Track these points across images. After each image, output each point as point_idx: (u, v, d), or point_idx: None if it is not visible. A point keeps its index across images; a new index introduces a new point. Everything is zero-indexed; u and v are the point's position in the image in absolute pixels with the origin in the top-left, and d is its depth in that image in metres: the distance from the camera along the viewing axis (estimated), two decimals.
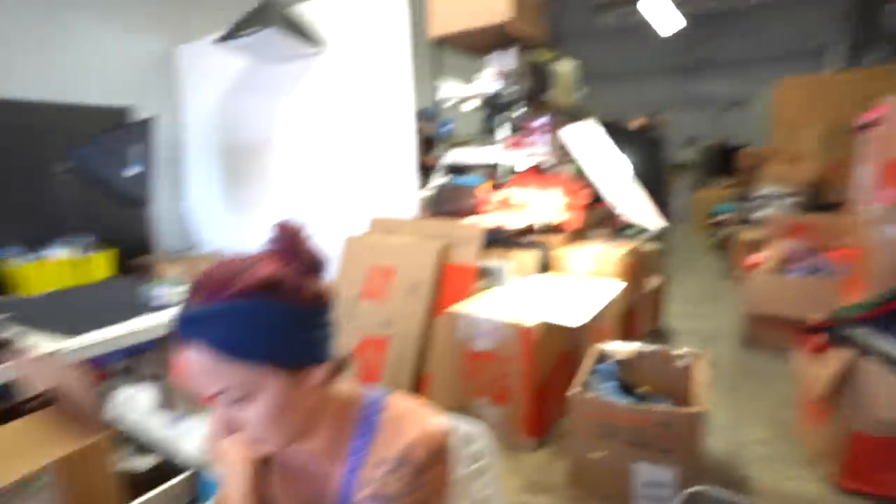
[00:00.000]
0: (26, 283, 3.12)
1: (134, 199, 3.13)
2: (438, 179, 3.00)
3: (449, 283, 2.75)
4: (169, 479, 1.02)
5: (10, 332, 1.32)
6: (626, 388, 2.18)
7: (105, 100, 3.85)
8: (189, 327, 0.55)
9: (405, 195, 3.21)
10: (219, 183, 4.20)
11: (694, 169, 9.34)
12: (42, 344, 1.33)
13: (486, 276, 2.89)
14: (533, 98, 3.00)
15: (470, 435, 1.08)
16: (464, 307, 2.43)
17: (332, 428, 0.67)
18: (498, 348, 2.27)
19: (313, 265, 0.62)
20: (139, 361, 2.09)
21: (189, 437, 1.30)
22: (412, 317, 2.77)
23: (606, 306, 2.57)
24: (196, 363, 0.55)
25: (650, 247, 3.56)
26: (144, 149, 3.09)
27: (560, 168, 3.90)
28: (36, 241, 3.41)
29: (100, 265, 3.46)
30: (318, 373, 0.62)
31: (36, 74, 3.48)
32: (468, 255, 2.73)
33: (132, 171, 2.99)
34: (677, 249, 2.96)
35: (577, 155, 2.73)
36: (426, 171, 3.67)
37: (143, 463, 1.07)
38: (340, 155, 3.42)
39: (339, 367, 0.66)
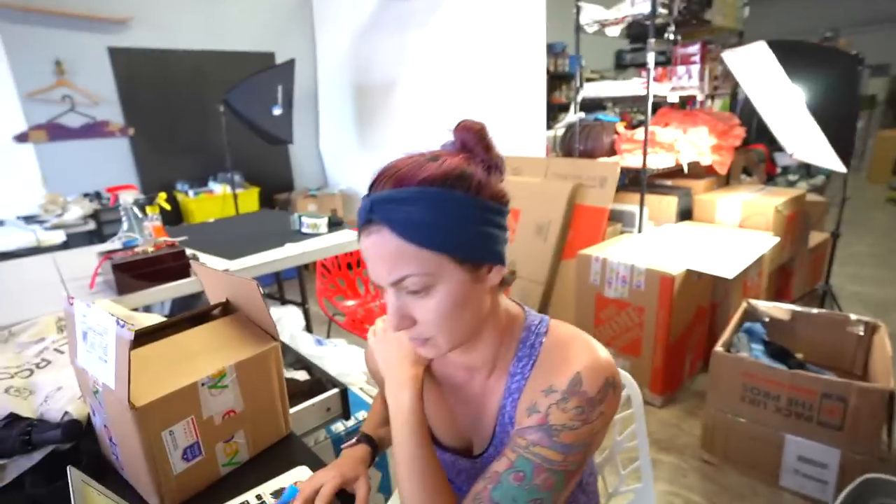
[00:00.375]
0: (194, 214, 3.59)
1: (280, 138, 3.38)
2: (571, 116, 2.79)
3: (579, 225, 2.61)
4: (321, 392, 1.11)
5: (190, 252, 1.52)
6: (777, 353, 1.94)
7: (254, 46, 4.15)
8: (376, 211, 0.54)
9: (533, 133, 3.06)
10: (350, 123, 4.38)
11: (880, 105, 7.70)
12: (213, 263, 1.51)
13: (620, 220, 2.70)
14: (686, 21, 2.61)
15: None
16: (597, 250, 2.30)
17: (495, 344, 0.65)
18: (633, 296, 2.13)
19: (495, 163, 0.59)
20: (282, 287, 2.30)
21: (332, 359, 1.41)
22: (538, 259, 2.71)
23: (757, 261, 2.27)
24: (381, 248, 0.54)
25: (813, 197, 3.03)
26: (287, 90, 3.29)
27: (710, 103, 3.43)
28: (200, 177, 3.90)
29: (249, 200, 3.85)
30: (495, 274, 0.59)
31: (199, 27, 3.84)
32: (601, 197, 2.55)
33: (277, 110, 3.21)
34: (848, 201, 2.49)
35: (743, 84, 2.33)
36: (553, 109, 3.45)
37: (298, 375, 1.18)
38: (468, 92, 3.34)
39: (509, 277, 0.63)
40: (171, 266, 1.36)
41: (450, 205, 0.53)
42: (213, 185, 3.83)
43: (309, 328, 2.04)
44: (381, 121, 4.09)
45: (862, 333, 1.95)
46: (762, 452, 1.68)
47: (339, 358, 1.39)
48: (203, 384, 0.74)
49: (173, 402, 0.70)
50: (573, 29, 2.71)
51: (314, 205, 4.18)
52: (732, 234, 2.47)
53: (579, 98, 2.73)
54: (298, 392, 1.12)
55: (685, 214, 2.80)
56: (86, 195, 3.37)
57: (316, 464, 0.82)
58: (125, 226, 1.46)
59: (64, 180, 3.38)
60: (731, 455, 1.77)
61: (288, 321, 1.53)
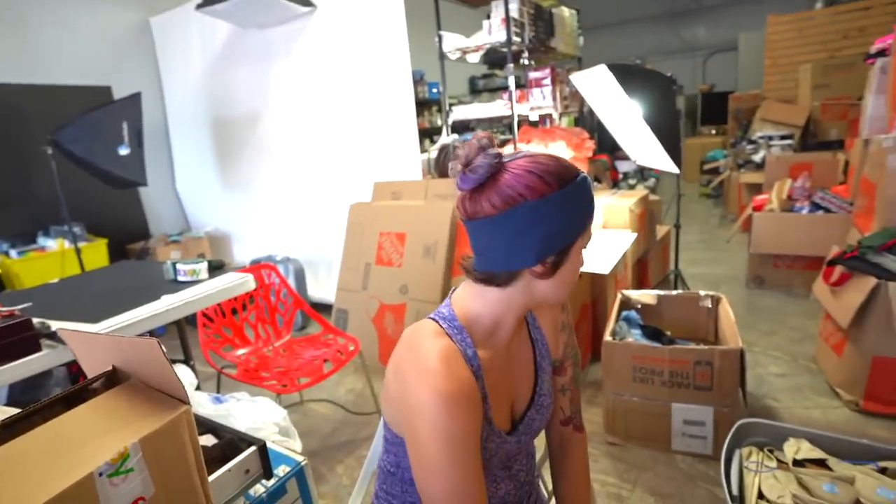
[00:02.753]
0: (20, 278, 3.00)
1: (130, 180, 3.00)
2: (444, 138, 2.91)
3: (466, 241, 2.70)
4: (236, 454, 0.99)
5: (37, 321, 1.25)
6: (652, 334, 2.19)
7: (84, 80, 3.64)
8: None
9: (407, 158, 3.12)
10: (210, 159, 4.05)
11: (682, 118, 9.28)
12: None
13: None
14: (535, 48, 2.90)
15: None
16: None
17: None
18: None
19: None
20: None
21: (238, 416, 1.27)
22: (429, 279, 2.74)
23: (623, 256, 2.56)
24: None
25: (651, 197, 3.53)
26: (135, 126, 2.93)
27: (561, 120, 3.83)
28: (26, 233, 3.28)
29: (96, 254, 3.33)
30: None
31: (10, 57, 3.26)
32: None
33: (125, 150, 2.84)
34: (683, 197, 2.94)
35: (589, 101, 2.65)
36: (420, 136, 3.57)
37: (204, 441, 1.03)
38: (338, 121, 3.30)
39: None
40: (13, 341, 1.11)
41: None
42: (44, 242, 3.25)
43: (197, 386, 1.81)
44: (248, 156, 3.85)
45: (710, 306, 2.29)
46: (655, 424, 1.87)
47: (245, 413, 1.25)
48: (101, 474, 0.61)
49: None
50: (436, 57, 2.85)
51: (178, 251, 3.76)
52: (598, 235, 2.76)
53: (450, 121, 2.86)
54: (209, 459, 0.98)
55: None
56: None
57: None
58: None
59: None
60: (631, 433, 1.94)
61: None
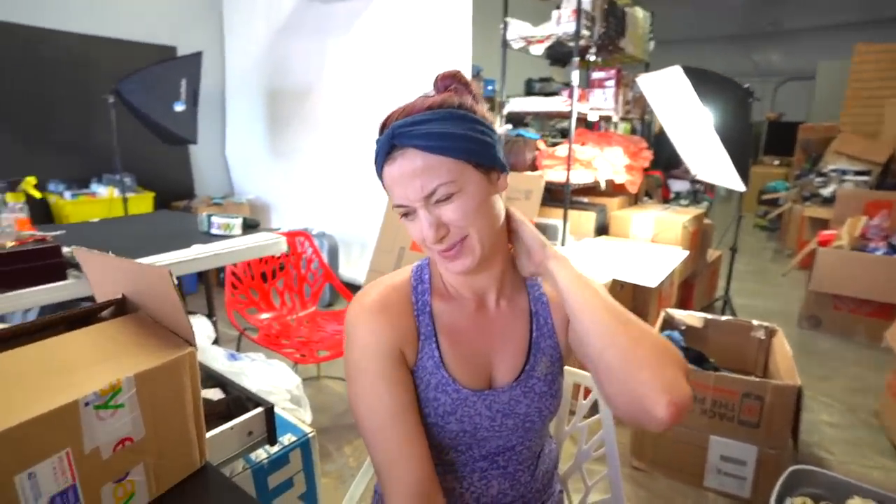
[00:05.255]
0: (69, 219, 3.09)
1: (182, 137, 3.04)
2: (499, 130, 2.81)
3: None
4: (241, 412, 0.92)
5: (66, 250, 1.24)
6: (695, 358, 2.03)
7: (152, 37, 3.72)
8: (398, 137, 0.61)
9: None
10: (261, 129, 4.08)
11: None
12: None
13: (544, 233, 2.73)
14: (604, 45, 2.76)
15: None
16: None
17: (504, 261, 0.73)
18: None
19: (475, 94, 0.68)
20: (184, 300, 2.00)
21: (251, 376, 1.21)
22: None
23: (670, 273, 2.40)
24: (409, 167, 0.61)
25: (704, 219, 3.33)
26: (193, 85, 2.97)
27: (616, 125, 3.66)
28: (81, 177, 3.38)
29: (142, 205, 3.40)
30: (503, 181, 0.68)
31: (83, 7, 3.35)
32: (527, 209, 2.57)
33: (180, 107, 2.88)
34: (722, 226, 2.75)
35: (654, 106, 2.50)
36: None
37: (211, 394, 0.98)
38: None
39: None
40: (38, 265, 1.08)
41: (458, 120, 0.62)
42: (96, 188, 3.34)
43: (216, 343, 1.78)
44: (296, 128, 3.85)
45: (763, 338, 2.11)
46: (688, 455, 1.72)
47: (258, 374, 1.19)
48: (87, 403, 0.55)
49: (38, 431, 0.51)
50: (495, 53, 2.76)
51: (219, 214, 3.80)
52: (647, 248, 2.61)
53: (505, 111, 2.76)
54: (212, 414, 0.92)
55: (602, 230, 2.92)
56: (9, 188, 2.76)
57: (241, 502, 0.65)
58: None
59: None
60: (659, 460, 1.80)
61: (197, 332, 1.30)
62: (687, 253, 2.55)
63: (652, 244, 2.71)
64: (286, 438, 1.07)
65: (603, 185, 2.80)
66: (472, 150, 0.62)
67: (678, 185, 5.56)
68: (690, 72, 2.12)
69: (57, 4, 3.24)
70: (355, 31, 3.32)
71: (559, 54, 2.90)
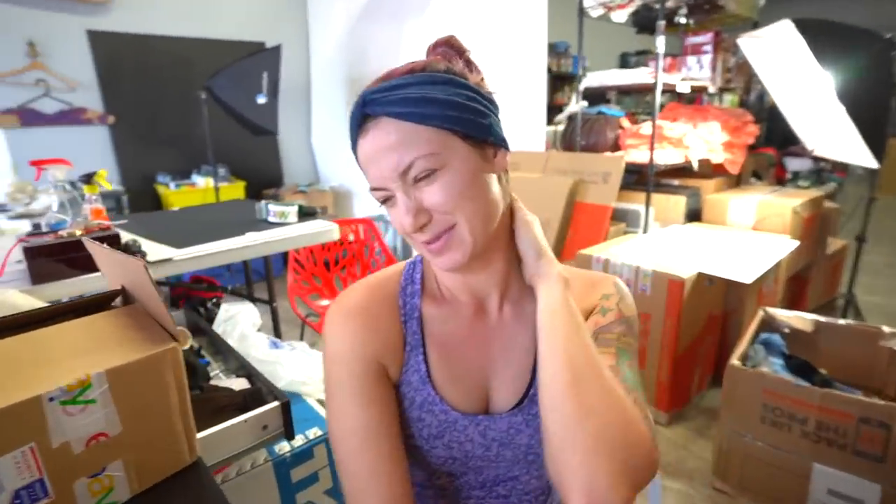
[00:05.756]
0: (172, 206, 3.40)
1: (264, 128, 3.20)
2: (573, 105, 2.60)
3: (580, 223, 2.42)
4: (259, 405, 0.90)
5: (129, 238, 1.32)
6: (799, 368, 1.73)
7: (243, 35, 3.96)
8: (370, 105, 0.52)
9: (532, 129, 2.88)
10: (343, 117, 4.19)
11: None
12: (155, 251, 1.31)
13: (624, 219, 2.50)
14: (698, 5, 2.42)
15: None
16: (599, 251, 2.10)
17: (507, 260, 0.61)
18: (637, 301, 1.91)
19: (471, 61, 0.60)
20: (251, 284, 2.09)
21: (286, 365, 1.21)
22: None
23: (774, 266, 2.07)
24: (382, 140, 0.52)
25: (826, 203, 2.84)
26: (273, 77, 3.10)
27: (719, 100, 3.25)
28: (183, 169, 3.71)
29: (234, 194, 3.66)
30: (501, 158, 0.57)
31: (183, 12, 3.66)
32: (604, 194, 2.36)
33: (262, 99, 3.03)
34: (858, 209, 2.29)
35: (760, 73, 2.14)
36: (554, 111, 3.28)
37: (236, 384, 0.97)
38: None
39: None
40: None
41: (442, 84, 0.52)
42: (196, 178, 3.64)
43: (277, 330, 1.84)
44: None
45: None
46: (785, 483, 1.47)
47: (294, 363, 1.19)
48: (51, 399, 0.53)
49: None
50: (576, 15, 2.53)
51: (304, 201, 3.98)
52: (746, 237, 2.27)
53: (582, 87, 2.54)
54: (231, 405, 0.92)
55: (693, 215, 2.60)
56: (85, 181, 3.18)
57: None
58: (55, 206, 1.26)
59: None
60: (747, 484, 1.56)
61: (242, 318, 1.32)
62: (797, 243, 2.18)
63: (753, 232, 2.36)
64: (312, 433, 1.05)
65: (695, 166, 2.48)
66: (457, 119, 0.52)
67: (796, 164, 4.84)
68: (805, 25, 1.77)
69: (161, 12, 3.56)
70: (429, 13, 3.25)
71: (646, 20, 2.61)
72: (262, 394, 0.95)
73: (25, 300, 1.02)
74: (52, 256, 1.10)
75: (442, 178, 0.52)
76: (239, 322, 1.31)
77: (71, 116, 3.32)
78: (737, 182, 3.02)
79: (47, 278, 1.10)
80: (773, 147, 4.79)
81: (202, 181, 3.57)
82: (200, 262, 1.31)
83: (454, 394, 0.60)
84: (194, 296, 1.74)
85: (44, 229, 1.23)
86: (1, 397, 0.51)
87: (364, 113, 0.52)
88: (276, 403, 0.91)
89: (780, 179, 5.01)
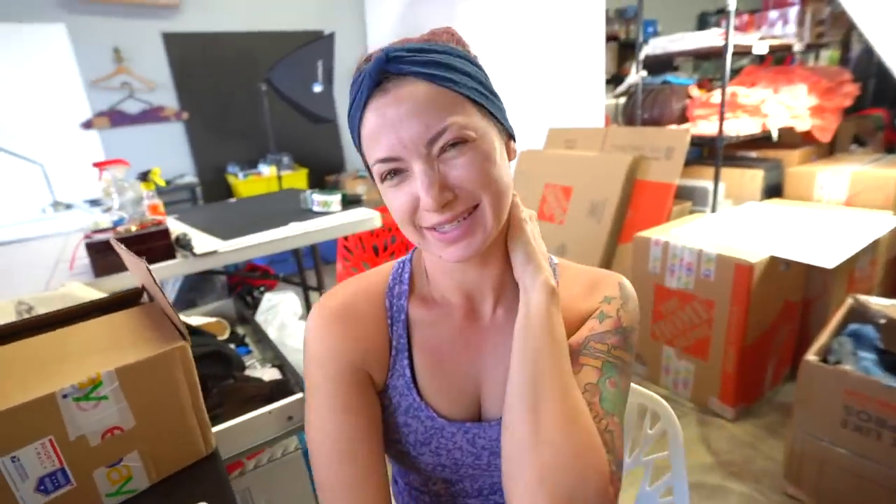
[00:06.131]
0: (241, 195, 3.60)
1: (321, 116, 3.27)
2: (632, 76, 2.42)
3: (640, 203, 2.26)
4: (286, 395, 0.93)
5: (181, 231, 1.40)
6: (894, 365, 1.51)
7: (303, 25, 4.06)
8: (397, 62, 0.47)
9: (590, 103, 2.72)
10: None
11: None
12: (204, 243, 1.38)
13: (690, 198, 2.31)
14: None
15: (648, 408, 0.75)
16: (658, 233, 1.95)
17: (503, 259, 0.57)
18: (700, 287, 1.77)
19: (462, 40, 0.56)
20: (303, 272, 2.16)
21: None
22: (591, 242, 2.39)
23: (870, 247, 1.82)
24: (410, 100, 0.46)
25: None
26: (327, 65, 3.16)
27: (813, 60, 2.88)
28: (251, 159, 3.91)
29: (297, 181, 3.81)
30: (513, 148, 0.55)
31: (247, 7, 3.81)
32: (667, 171, 2.18)
33: (318, 87, 3.09)
34: None
35: (860, 23, 1.86)
36: (621, 81, 3.07)
37: (267, 374, 1.01)
38: (517, 59, 3.03)
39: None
40: (151, 247, 1.24)
41: (464, 59, 0.50)
42: (262, 167, 3.83)
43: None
44: None
45: None
46: (870, 495, 1.30)
47: None
48: (65, 395, 0.57)
49: (16, 420, 0.54)
50: None
51: (363, 186, 4.07)
52: (836, 214, 2.01)
53: (642, 55, 2.34)
54: (259, 395, 0.95)
55: (773, 191, 2.34)
56: (143, 177, 3.48)
57: (224, 498, 0.63)
58: (116, 203, 1.36)
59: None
60: (825, 493, 1.40)
61: (283, 307, 1.37)
62: None
63: (845, 209, 2.09)
64: None
65: (774, 135, 2.22)
66: (486, 95, 0.50)
67: None
68: None
69: (225, 10, 3.72)
70: None
71: None
72: (290, 385, 0.98)
73: (86, 292, 1.11)
74: (110, 251, 1.20)
75: (473, 150, 0.47)
76: (280, 311, 1.36)
77: (151, 115, 3.59)
78: (830, 151, 2.68)
79: (107, 271, 1.19)
80: (882, 108, 4.20)
81: (267, 170, 3.75)
82: (244, 253, 1.37)
83: (441, 400, 0.57)
84: (249, 283, 1.83)
85: (107, 225, 1.34)
86: (20, 393, 0.55)
87: (384, 70, 0.46)
88: (300, 395, 0.93)
89: (891, 145, 4.40)
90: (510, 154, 0.54)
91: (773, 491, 1.48)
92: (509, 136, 0.54)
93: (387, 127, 0.46)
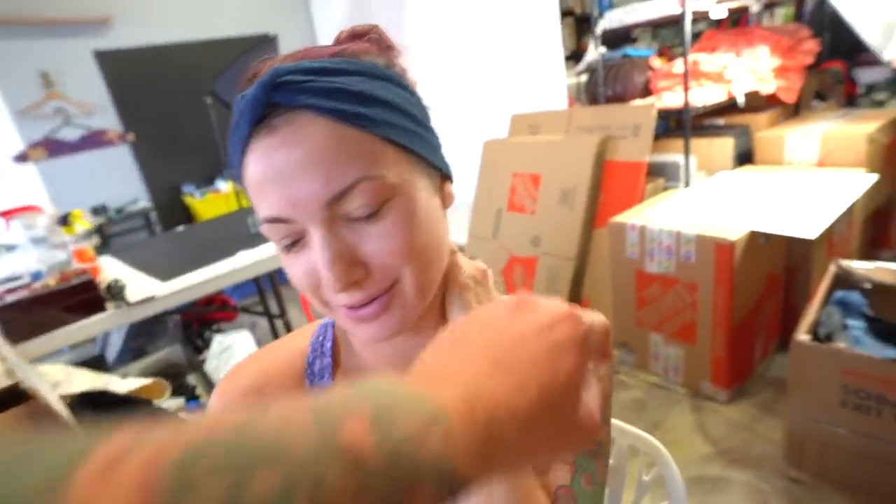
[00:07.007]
0: (201, 217, 3.42)
1: None
2: (591, 54, 2.32)
3: (612, 185, 2.17)
4: None
5: (112, 279, 1.26)
6: (887, 332, 1.46)
7: (249, 29, 3.83)
8: (287, 91, 0.34)
9: (550, 84, 2.62)
10: None
11: None
12: (140, 288, 1.25)
13: (662, 174, 2.23)
14: None
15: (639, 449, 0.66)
16: (633, 216, 1.87)
17: (438, 316, 0.45)
18: (682, 270, 1.70)
19: (402, 67, 0.42)
20: (264, 297, 2.03)
21: None
22: (565, 231, 2.31)
23: (847, 209, 1.77)
24: (302, 145, 0.34)
25: None
26: None
27: (769, 18, 2.83)
28: (207, 175, 3.72)
29: None
30: (447, 190, 0.43)
31: (186, 16, 3.57)
32: (636, 149, 2.10)
33: None
34: None
35: None
36: (581, 57, 2.98)
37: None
38: (472, 46, 2.91)
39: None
40: (73, 302, 1.10)
41: (385, 81, 0.37)
42: (219, 184, 3.65)
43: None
44: None
45: None
46: (875, 472, 1.25)
47: None
48: None
49: None
50: None
51: None
52: (810, 177, 1.96)
53: (599, 30, 2.24)
54: None
55: (744, 158, 2.28)
56: (93, 209, 3.27)
57: None
58: (33, 257, 1.21)
59: (71, 196, 3.27)
60: (830, 473, 1.35)
61: (238, 348, 1.25)
62: (875, 177, 1.85)
63: (818, 170, 2.04)
64: None
65: (740, 101, 2.16)
66: (410, 132, 0.37)
67: (869, 76, 4.20)
68: None
69: (162, 21, 3.49)
70: None
71: None
72: None
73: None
74: (25, 314, 1.05)
75: (391, 213, 0.36)
76: (235, 352, 1.23)
77: (93, 140, 3.37)
78: (795, 111, 2.63)
79: (22, 337, 1.05)
80: (839, 60, 4.19)
81: (225, 186, 3.57)
82: (185, 295, 1.24)
83: None
84: (206, 318, 1.69)
85: (23, 281, 1.19)
86: None
87: (271, 101, 0.34)
88: None
89: (851, 97, 4.40)
90: (445, 201, 0.43)
91: (775, 476, 1.43)
92: (444, 176, 0.43)
93: (276, 179, 0.34)
